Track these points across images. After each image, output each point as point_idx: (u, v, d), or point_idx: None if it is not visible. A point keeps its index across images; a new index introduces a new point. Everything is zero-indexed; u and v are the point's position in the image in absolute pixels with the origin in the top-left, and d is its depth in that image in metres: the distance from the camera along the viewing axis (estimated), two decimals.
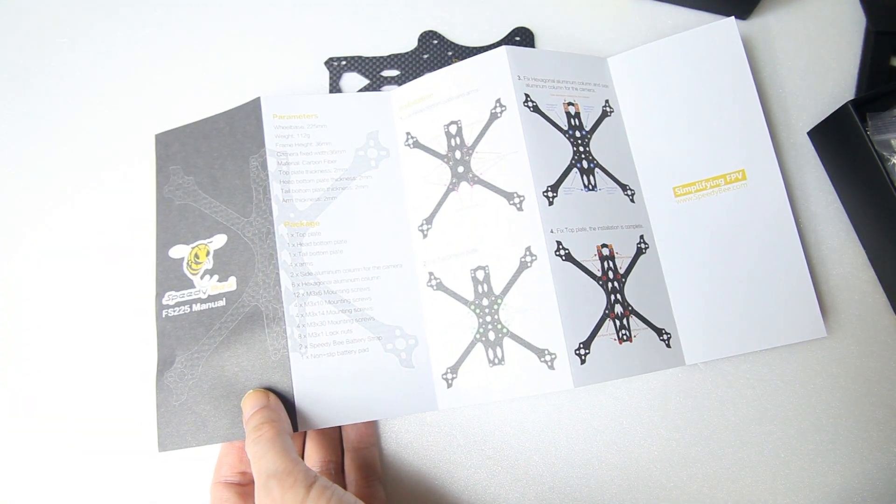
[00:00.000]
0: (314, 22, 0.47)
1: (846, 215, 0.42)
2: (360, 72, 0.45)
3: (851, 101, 0.38)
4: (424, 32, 0.46)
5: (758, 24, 0.45)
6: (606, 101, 0.42)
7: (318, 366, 0.36)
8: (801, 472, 0.39)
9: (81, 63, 0.47)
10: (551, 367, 0.35)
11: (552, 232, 0.37)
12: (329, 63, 0.46)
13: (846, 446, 0.39)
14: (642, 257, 0.40)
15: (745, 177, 0.40)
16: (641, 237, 0.40)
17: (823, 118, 0.41)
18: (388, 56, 0.46)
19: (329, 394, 0.36)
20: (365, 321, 0.38)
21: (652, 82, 0.42)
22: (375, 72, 0.45)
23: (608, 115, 0.42)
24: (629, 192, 0.41)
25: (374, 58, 0.46)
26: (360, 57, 0.46)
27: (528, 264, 0.37)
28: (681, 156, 0.41)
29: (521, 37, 0.46)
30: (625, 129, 0.42)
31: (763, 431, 0.39)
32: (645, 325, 0.38)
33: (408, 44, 0.46)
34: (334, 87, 0.45)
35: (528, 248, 0.37)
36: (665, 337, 0.38)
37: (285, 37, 0.47)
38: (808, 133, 0.43)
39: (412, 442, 0.40)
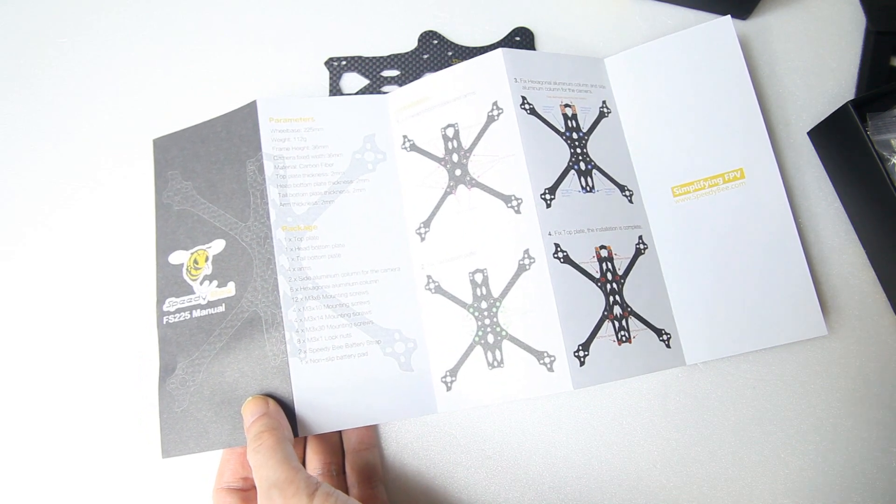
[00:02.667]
0: (314, 22, 0.47)
1: (846, 215, 0.42)
2: (360, 72, 0.45)
3: (851, 101, 0.38)
4: (424, 32, 0.46)
5: (758, 24, 0.45)
6: (604, 102, 0.42)
7: (318, 370, 0.36)
8: (801, 472, 0.39)
9: (81, 63, 0.47)
10: (550, 370, 0.35)
11: (550, 234, 0.37)
12: (329, 63, 0.46)
13: (846, 446, 0.39)
14: (641, 258, 0.40)
15: (743, 175, 0.40)
16: (640, 238, 0.40)
17: (823, 118, 0.41)
18: (388, 56, 0.46)
19: (329, 398, 0.36)
20: (364, 325, 0.38)
21: (648, 82, 0.42)
22: (375, 72, 0.45)
23: (605, 116, 0.42)
24: (627, 193, 0.41)
25: (374, 58, 0.46)
26: (360, 57, 0.46)
27: (527, 267, 0.37)
28: (679, 155, 0.41)
29: (521, 37, 0.46)
30: (622, 129, 0.42)
31: (763, 431, 0.39)
32: (644, 326, 0.38)
33: (408, 44, 0.46)
34: (334, 88, 0.45)
35: (526, 251, 0.37)
36: (665, 337, 0.38)
37: (285, 37, 0.47)
38: (809, 133, 0.43)
39: (413, 443, 0.40)
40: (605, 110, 0.42)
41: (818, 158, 0.43)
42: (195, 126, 0.42)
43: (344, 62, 0.46)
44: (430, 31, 0.46)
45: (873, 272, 0.41)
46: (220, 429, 0.36)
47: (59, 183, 0.45)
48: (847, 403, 0.39)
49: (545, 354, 0.36)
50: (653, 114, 0.42)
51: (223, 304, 0.38)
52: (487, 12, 0.46)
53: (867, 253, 0.41)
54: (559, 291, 0.36)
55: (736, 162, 0.40)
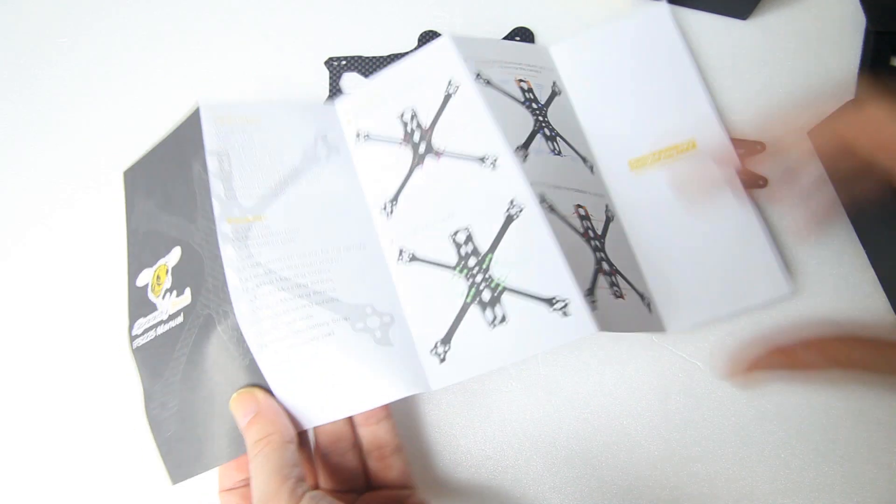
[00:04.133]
0: (314, 22, 0.47)
1: (846, 215, 0.42)
2: (360, 72, 0.45)
3: (851, 101, 0.38)
4: (424, 32, 0.46)
5: (758, 24, 0.45)
6: (554, 83, 0.43)
7: (287, 360, 0.33)
8: (801, 472, 0.38)
9: (81, 63, 0.47)
10: (566, 314, 0.32)
11: (533, 184, 0.35)
12: (329, 63, 0.46)
13: (846, 446, 0.39)
14: (612, 224, 0.39)
15: (695, 146, 0.41)
16: (607, 206, 0.40)
17: (823, 118, 0.41)
18: (388, 56, 0.46)
19: (308, 388, 0.33)
20: (327, 303, 0.35)
21: (592, 67, 0.43)
22: (375, 72, 0.45)
23: (557, 95, 0.42)
24: (588, 165, 0.41)
25: (374, 58, 0.46)
26: (360, 57, 0.46)
27: (515, 216, 0.35)
28: (631, 132, 0.42)
29: (522, 36, 0.46)
30: (573, 109, 0.43)
31: (763, 431, 0.39)
32: (629, 287, 0.37)
33: (408, 44, 0.46)
34: (334, 87, 0.45)
35: (511, 201, 0.35)
36: (647, 302, 0.38)
37: (285, 37, 0.47)
38: (808, 133, 0.43)
39: (410, 442, 0.40)
40: (557, 90, 0.43)
41: (818, 159, 0.43)
42: (155, 146, 0.40)
43: (344, 62, 0.46)
44: (430, 31, 0.46)
45: (873, 272, 0.41)
46: (216, 444, 0.34)
47: (59, 182, 0.45)
48: (847, 403, 0.39)
49: (555, 300, 0.33)
50: (601, 96, 0.43)
51: (181, 314, 0.35)
52: (487, 12, 0.47)
53: (867, 253, 0.41)
54: (556, 234, 0.34)
55: (687, 133, 0.41)
